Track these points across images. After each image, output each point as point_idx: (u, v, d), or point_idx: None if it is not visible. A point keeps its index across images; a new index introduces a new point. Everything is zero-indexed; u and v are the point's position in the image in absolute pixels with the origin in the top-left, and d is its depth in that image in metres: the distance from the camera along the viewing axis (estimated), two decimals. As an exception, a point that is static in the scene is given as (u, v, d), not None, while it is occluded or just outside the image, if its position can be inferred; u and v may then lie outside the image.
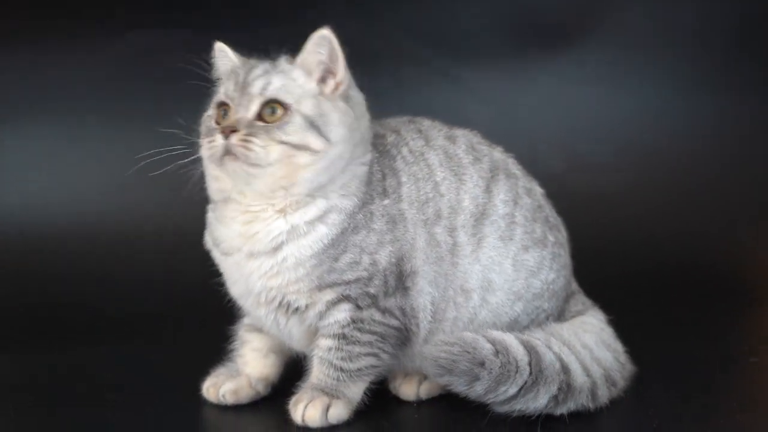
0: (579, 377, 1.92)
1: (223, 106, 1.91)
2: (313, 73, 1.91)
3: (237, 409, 2.02)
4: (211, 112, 1.94)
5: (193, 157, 1.89)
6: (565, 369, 1.90)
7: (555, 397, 1.88)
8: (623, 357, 2.08)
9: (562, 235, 2.16)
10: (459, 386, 1.84)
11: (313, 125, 1.86)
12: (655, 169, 3.23)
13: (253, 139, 1.83)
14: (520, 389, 1.85)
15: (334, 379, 1.92)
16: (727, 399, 2.08)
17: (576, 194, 3.08)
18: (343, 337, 1.92)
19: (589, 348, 2.02)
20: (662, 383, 2.13)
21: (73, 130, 3.22)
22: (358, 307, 1.92)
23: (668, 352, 2.34)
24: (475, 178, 2.04)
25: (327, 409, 1.90)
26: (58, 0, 3.19)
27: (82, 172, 3.16)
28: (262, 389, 2.06)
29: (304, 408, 1.90)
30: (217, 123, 1.89)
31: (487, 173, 2.06)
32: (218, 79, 1.99)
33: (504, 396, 1.85)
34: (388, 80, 3.27)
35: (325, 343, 1.93)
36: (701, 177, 3.22)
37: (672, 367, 2.24)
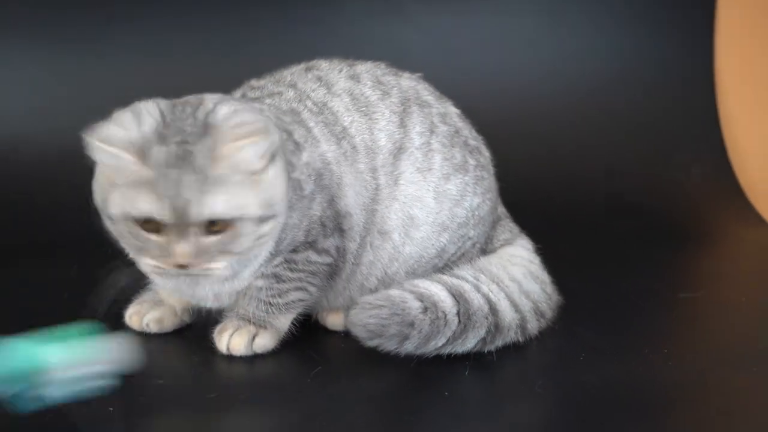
0: (507, 315, 1.92)
1: (150, 223, 1.65)
2: (243, 170, 1.66)
3: (161, 337, 1.98)
4: (120, 219, 1.67)
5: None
6: (493, 310, 1.90)
7: (483, 339, 1.88)
8: (550, 288, 2.08)
9: (484, 156, 2.11)
10: (389, 347, 1.81)
11: (263, 218, 1.69)
12: (597, 103, 3.22)
13: (214, 265, 1.69)
14: (448, 339, 1.84)
15: (263, 311, 1.89)
16: (655, 333, 2.10)
17: (515, 129, 3.07)
18: (274, 276, 1.88)
19: (517, 281, 2.01)
20: (590, 315, 2.14)
21: (53, 50, 3.14)
22: (294, 251, 1.87)
23: (594, 285, 2.35)
24: (387, 114, 1.97)
25: (253, 338, 1.88)
26: None
27: (56, 98, 3.07)
28: (187, 318, 2.02)
29: (230, 337, 1.87)
30: (145, 230, 1.66)
31: (399, 107, 1.99)
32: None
33: (433, 348, 1.84)
34: (328, 10, 3.21)
35: (256, 283, 1.88)
36: (639, 116, 3.22)
37: (599, 300, 2.25)
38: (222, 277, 1.79)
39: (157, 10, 3.15)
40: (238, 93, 2.02)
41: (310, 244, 1.88)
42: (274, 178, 1.71)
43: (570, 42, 3.29)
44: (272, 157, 1.70)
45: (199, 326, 1.98)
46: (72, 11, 3.12)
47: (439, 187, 1.98)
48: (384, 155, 1.95)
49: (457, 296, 1.87)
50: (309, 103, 1.94)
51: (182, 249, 1.65)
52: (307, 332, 1.96)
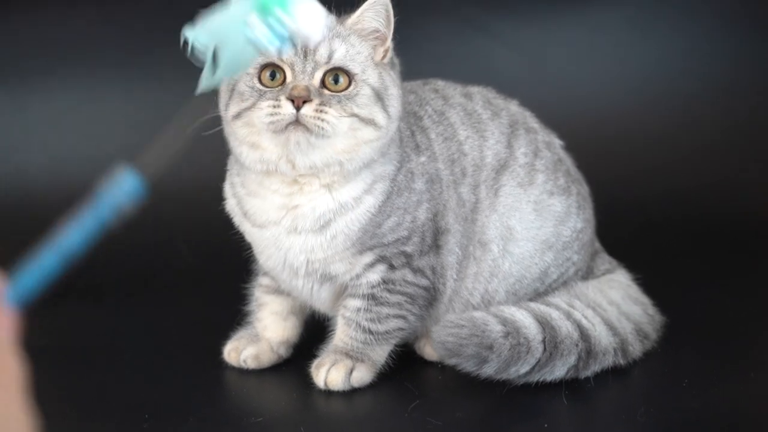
0: (603, 339, 1.89)
1: (270, 68, 1.77)
2: (367, 40, 1.82)
3: (259, 372, 2.00)
4: (251, 71, 1.79)
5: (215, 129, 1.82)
6: (585, 336, 1.87)
7: (575, 366, 1.85)
8: (652, 309, 2.05)
9: (585, 189, 2.12)
10: (468, 368, 1.80)
11: (379, 98, 1.79)
12: (685, 117, 3.14)
13: (328, 110, 1.74)
14: (533, 367, 1.81)
15: (360, 342, 1.89)
16: (761, 354, 2.05)
17: (604, 143, 3.02)
18: (372, 297, 1.88)
19: (616, 304, 1.99)
20: (694, 336, 2.09)
21: (100, 87, 3.17)
22: (392, 267, 1.88)
23: (698, 305, 2.29)
24: (497, 134, 2.00)
25: (350, 372, 1.88)
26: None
27: (103, 130, 3.12)
28: (283, 352, 2.03)
29: (327, 371, 1.88)
30: (263, 85, 1.77)
31: (507, 128, 2.02)
32: None
33: (516, 375, 1.81)
34: (415, 30, 3.21)
35: (353, 303, 1.90)
36: (735, 127, 3.12)
37: (703, 321, 2.19)
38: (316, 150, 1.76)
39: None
40: None
41: (407, 261, 1.88)
42: (392, 80, 1.83)
43: (658, 55, 3.22)
44: (393, 67, 1.85)
45: (296, 362, 2.00)
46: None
47: (540, 202, 1.98)
48: (488, 171, 1.97)
49: (544, 324, 1.85)
50: (429, 110, 1.99)
51: (301, 82, 1.74)
52: (404, 363, 1.95)
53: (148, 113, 3.10)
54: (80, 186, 3.04)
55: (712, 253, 2.70)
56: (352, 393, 1.88)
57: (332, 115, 1.73)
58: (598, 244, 2.18)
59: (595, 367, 1.87)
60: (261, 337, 2.03)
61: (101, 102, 3.15)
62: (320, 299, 1.95)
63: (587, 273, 2.10)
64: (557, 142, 2.11)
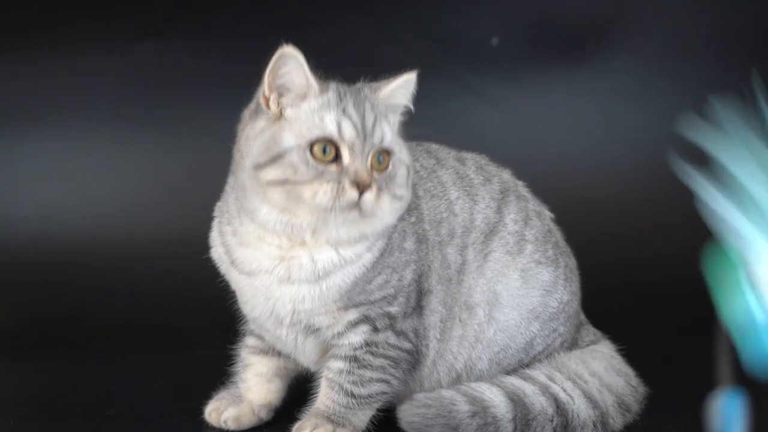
0: (582, 412, 1.89)
1: (323, 143, 1.75)
2: (395, 115, 1.86)
3: (239, 434, 1.99)
4: (302, 143, 1.75)
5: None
6: (561, 411, 1.87)
7: None
8: (635, 380, 2.05)
9: (572, 262, 2.13)
10: None
11: (410, 174, 1.84)
12: (673, 183, 3.15)
13: (385, 197, 1.77)
14: None
15: (342, 405, 1.89)
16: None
17: (593, 210, 3.04)
18: (355, 359, 1.88)
19: (598, 375, 1.99)
20: (676, 409, 2.08)
21: (88, 138, 3.21)
22: (375, 330, 1.88)
23: (680, 378, 2.28)
24: (487, 198, 2.02)
25: (331, 437, 1.87)
26: (74, 7, 3.17)
27: (96, 180, 3.15)
28: (264, 415, 2.02)
29: (307, 435, 1.87)
30: (316, 159, 1.74)
31: (498, 194, 2.04)
32: (284, 89, 1.80)
33: None
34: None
35: (336, 365, 1.89)
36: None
37: (685, 394, 2.16)
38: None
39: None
40: None
41: (391, 323, 1.88)
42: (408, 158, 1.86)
43: (646, 122, 3.25)
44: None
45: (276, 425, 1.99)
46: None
47: (528, 270, 1.99)
48: (476, 233, 1.98)
49: (516, 401, 1.85)
50: (418, 166, 1.99)
51: (362, 166, 1.74)
52: (385, 429, 1.93)
53: (138, 164, 3.13)
54: (68, 236, 3.08)
55: (699, 321, 2.70)
56: (331, 459, 1.86)
57: (386, 201, 1.77)
58: (582, 316, 2.18)
59: (572, 441, 1.87)
60: (243, 399, 2.02)
61: (91, 152, 3.17)
62: (305, 352, 1.94)
63: (572, 344, 2.10)
64: (547, 214, 2.12)
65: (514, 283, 1.98)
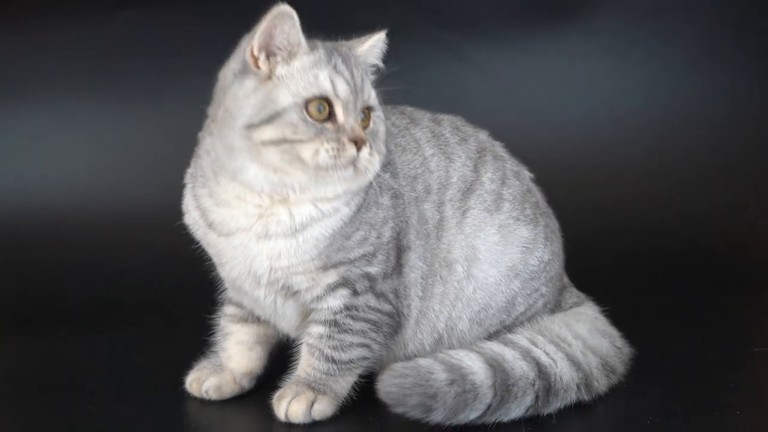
0: (565, 375, 1.88)
1: (318, 101, 1.75)
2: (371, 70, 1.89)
3: (220, 403, 1.98)
4: (299, 101, 1.74)
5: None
6: (543, 374, 1.86)
7: (533, 405, 1.84)
8: (620, 341, 2.05)
9: (554, 222, 2.11)
10: (415, 416, 1.77)
11: (387, 130, 1.86)
12: (662, 147, 3.15)
13: (376, 155, 1.79)
14: (483, 412, 1.80)
15: (323, 372, 1.88)
16: (727, 391, 2.02)
17: (579, 174, 3.02)
18: (335, 323, 1.87)
19: (582, 338, 1.98)
20: (659, 372, 2.09)
21: (68, 111, 3.17)
22: (355, 293, 1.87)
23: (664, 338, 2.29)
24: (463, 157, 2.01)
25: (312, 404, 1.86)
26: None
27: (76, 154, 3.12)
28: (246, 384, 2.02)
29: (288, 403, 1.86)
30: (313, 118, 1.74)
31: (475, 153, 2.03)
32: (274, 48, 1.77)
33: (466, 420, 1.79)
34: (390, 55, 3.20)
35: (316, 330, 1.88)
36: (710, 159, 3.14)
37: (669, 355, 2.19)
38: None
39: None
40: None
41: (371, 285, 1.87)
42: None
43: (632, 85, 3.23)
44: None
45: (258, 393, 1.98)
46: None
47: (506, 226, 1.98)
48: (453, 191, 1.97)
49: (495, 366, 1.83)
50: (389, 124, 1.96)
51: (356, 123, 1.76)
52: (367, 396, 1.92)
53: (119, 137, 3.10)
54: (48, 211, 3.06)
55: (683, 285, 2.71)
56: (313, 426, 1.86)
57: (377, 159, 1.78)
58: (566, 279, 2.17)
59: (557, 404, 1.86)
60: (224, 368, 2.01)
61: (70, 125, 3.14)
62: (285, 317, 1.93)
63: (555, 307, 2.09)
64: (527, 174, 2.10)
65: (492, 238, 1.96)
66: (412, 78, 3.08)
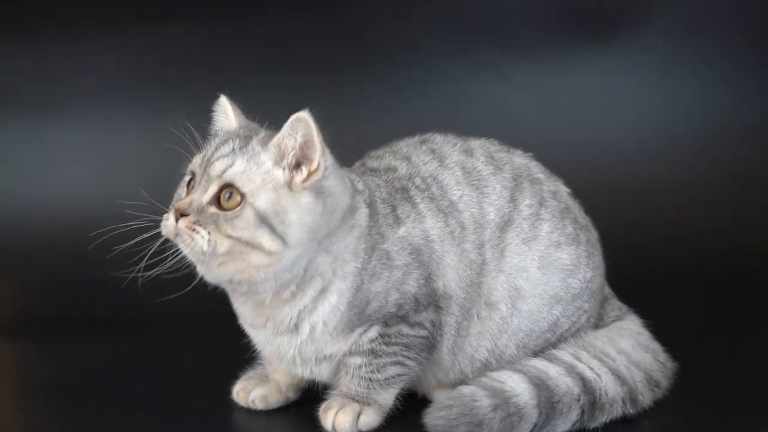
0: (610, 390, 1.88)
1: (191, 175, 1.79)
2: (284, 159, 1.74)
3: (267, 413, 2.00)
4: (185, 177, 1.81)
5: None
6: (588, 389, 1.86)
7: (579, 420, 1.85)
8: (663, 356, 2.04)
9: (593, 235, 2.09)
10: None
11: (265, 222, 1.72)
12: (699, 163, 3.14)
13: (199, 229, 1.72)
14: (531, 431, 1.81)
15: (364, 388, 1.90)
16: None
17: (617, 188, 3.02)
18: (371, 352, 1.88)
19: (625, 353, 1.98)
20: (706, 385, 2.09)
21: (110, 122, 3.20)
22: (387, 325, 1.88)
23: (709, 354, 2.29)
24: (498, 188, 1.97)
25: (358, 415, 1.88)
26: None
27: (118, 164, 3.15)
28: (292, 395, 2.03)
29: (335, 415, 1.88)
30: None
31: (510, 182, 1.99)
32: (215, 134, 1.87)
33: None
34: (428, 71, 3.22)
35: (353, 361, 1.89)
36: (753, 174, 3.12)
37: (714, 371, 2.19)
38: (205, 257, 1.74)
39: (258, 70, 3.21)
40: (357, 163, 2.06)
41: (402, 318, 1.88)
42: (304, 206, 1.74)
43: (672, 102, 3.23)
44: (316, 192, 1.75)
45: (304, 404, 2.00)
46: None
47: (546, 257, 1.96)
48: (492, 229, 1.94)
49: (539, 385, 1.83)
50: (418, 180, 1.95)
51: (188, 197, 1.74)
52: (413, 407, 1.93)
53: (161, 146, 3.12)
54: (94, 217, 3.09)
55: (726, 299, 2.69)
56: (359, 437, 1.87)
57: (201, 235, 1.71)
58: (608, 290, 2.16)
59: (602, 418, 1.87)
60: (270, 379, 2.02)
61: (118, 134, 3.17)
62: (321, 375, 1.94)
63: (598, 320, 2.09)
64: (564, 190, 2.08)
65: (534, 274, 1.95)
66: (453, 96, 3.15)
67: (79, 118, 3.20)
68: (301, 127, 1.72)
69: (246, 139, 1.78)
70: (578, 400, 1.84)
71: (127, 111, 3.19)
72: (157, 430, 1.94)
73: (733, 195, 3.08)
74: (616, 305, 2.15)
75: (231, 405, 2.02)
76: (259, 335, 1.90)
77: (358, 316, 1.84)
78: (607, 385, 1.88)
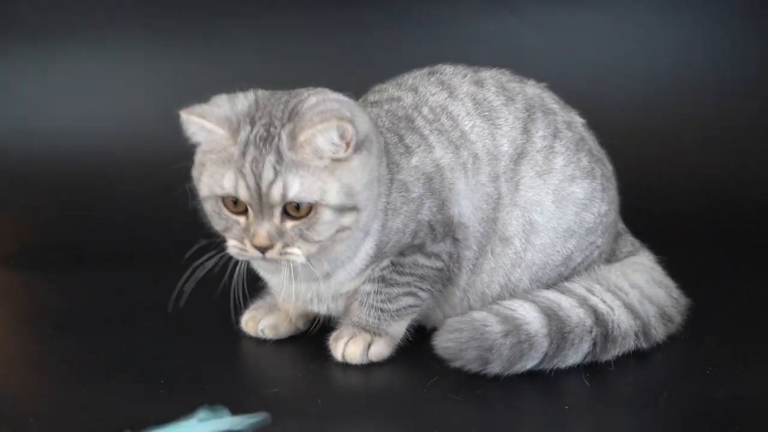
0: (623, 323, 1.87)
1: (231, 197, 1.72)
2: (324, 155, 1.69)
3: (276, 342, 1.99)
4: (209, 198, 1.74)
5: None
6: (600, 321, 1.84)
7: (591, 352, 1.84)
8: (676, 292, 2.02)
9: (608, 168, 2.06)
10: (472, 368, 1.78)
11: (344, 208, 1.71)
12: (717, 102, 3.10)
13: (290, 250, 1.71)
14: (540, 361, 1.80)
15: (375, 318, 1.88)
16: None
17: (629, 125, 2.99)
18: (382, 280, 1.87)
19: (639, 287, 1.96)
20: (719, 321, 2.08)
21: (119, 51, 3.18)
22: (402, 255, 1.86)
23: (722, 292, 2.26)
24: (511, 119, 1.94)
25: (369, 346, 1.87)
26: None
27: (128, 97, 3.12)
28: (301, 325, 2.01)
29: (345, 344, 1.87)
30: (229, 210, 1.72)
31: (523, 113, 1.95)
32: (197, 144, 1.77)
33: (523, 369, 1.79)
34: (442, 8, 3.17)
35: (364, 288, 1.88)
36: (764, 114, 3.07)
37: (727, 308, 2.17)
38: (304, 268, 1.75)
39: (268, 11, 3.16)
40: (359, 99, 2.01)
41: (418, 248, 1.86)
42: (358, 169, 1.72)
43: (687, 41, 3.18)
44: (358, 148, 1.71)
45: (314, 333, 1.98)
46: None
47: (561, 191, 1.94)
48: (506, 161, 1.92)
49: (550, 315, 1.82)
50: (425, 110, 1.92)
51: (261, 229, 1.69)
52: (424, 338, 1.91)
53: (169, 79, 3.10)
54: (100, 151, 3.07)
55: (740, 238, 2.68)
56: (369, 367, 1.86)
57: (295, 254, 1.71)
58: (621, 225, 2.14)
59: (615, 351, 1.86)
60: (280, 308, 2.01)
61: (124, 66, 3.14)
62: (338, 310, 1.93)
63: (610, 255, 2.07)
64: (578, 120, 2.04)
65: (549, 208, 1.93)
66: (466, 33, 3.11)
67: (84, 48, 3.17)
68: (333, 128, 1.67)
69: (270, 141, 1.68)
70: (590, 332, 1.83)
71: (135, 42, 3.17)
72: (165, 360, 1.92)
73: (748, 137, 3.05)
74: (629, 241, 2.13)
75: (239, 334, 2.01)
76: (274, 279, 1.89)
77: (377, 254, 1.83)
78: (620, 318, 1.87)
